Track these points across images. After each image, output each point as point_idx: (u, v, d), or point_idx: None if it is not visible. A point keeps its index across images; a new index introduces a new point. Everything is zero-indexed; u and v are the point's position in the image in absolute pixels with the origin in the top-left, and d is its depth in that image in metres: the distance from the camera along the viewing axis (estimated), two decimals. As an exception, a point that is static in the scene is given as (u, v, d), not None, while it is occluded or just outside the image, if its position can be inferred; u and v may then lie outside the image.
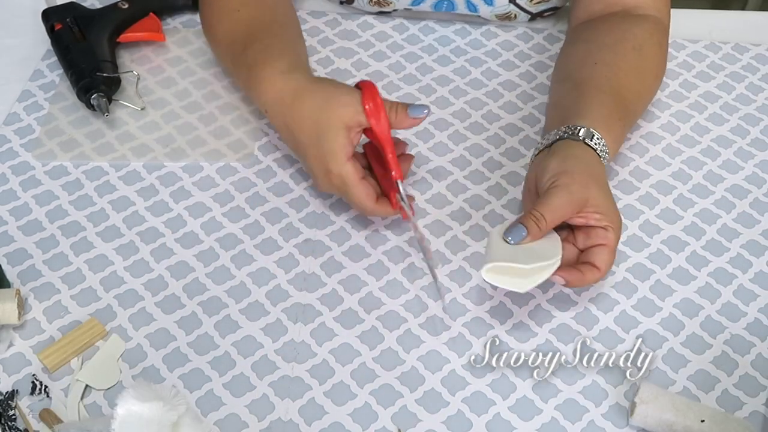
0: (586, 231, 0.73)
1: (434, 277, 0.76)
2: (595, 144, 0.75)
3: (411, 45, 1.01)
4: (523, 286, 0.69)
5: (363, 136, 0.77)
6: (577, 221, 0.72)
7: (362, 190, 0.76)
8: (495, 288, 0.77)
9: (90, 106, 0.90)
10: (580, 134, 0.75)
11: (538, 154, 0.78)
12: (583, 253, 0.73)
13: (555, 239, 0.72)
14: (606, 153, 0.76)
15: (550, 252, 0.70)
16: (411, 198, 0.78)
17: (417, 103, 0.76)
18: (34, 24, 1.02)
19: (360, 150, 0.80)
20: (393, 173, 0.76)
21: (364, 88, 0.75)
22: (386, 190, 0.78)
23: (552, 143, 0.76)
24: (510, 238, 0.70)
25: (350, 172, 0.75)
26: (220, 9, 0.89)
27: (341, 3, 1.04)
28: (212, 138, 0.90)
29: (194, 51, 1.00)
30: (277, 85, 0.79)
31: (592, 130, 0.76)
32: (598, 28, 0.89)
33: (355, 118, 0.75)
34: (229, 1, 0.88)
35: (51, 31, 0.97)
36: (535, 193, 0.74)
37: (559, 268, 0.70)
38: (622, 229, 0.73)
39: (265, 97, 0.80)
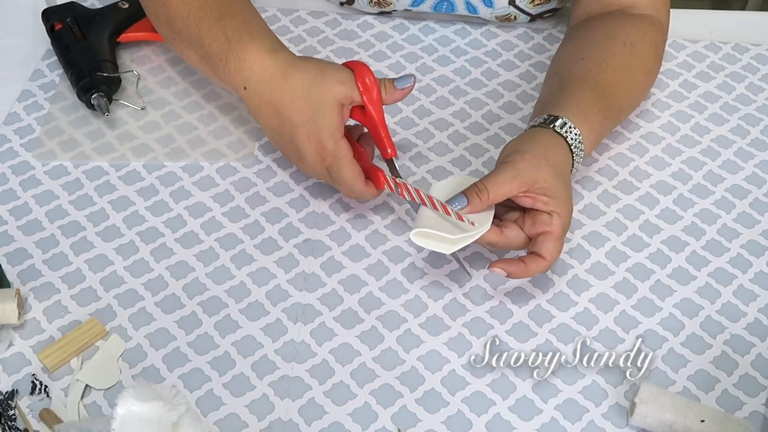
0: (532, 216, 0.73)
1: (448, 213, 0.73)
2: (566, 132, 0.76)
3: (411, 45, 1.01)
4: (447, 249, 0.71)
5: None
6: (524, 201, 0.72)
7: (355, 169, 0.76)
8: (421, 249, 0.79)
9: (90, 106, 0.90)
10: (553, 123, 0.76)
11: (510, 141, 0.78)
12: (531, 242, 0.73)
13: (487, 214, 0.72)
14: (580, 143, 0.77)
15: (478, 224, 0.71)
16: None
17: (404, 77, 0.77)
18: (34, 24, 1.01)
19: None
20: (389, 150, 0.77)
21: (356, 66, 0.76)
22: (369, 172, 0.78)
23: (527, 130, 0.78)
24: (452, 206, 0.71)
25: (344, 149, 0.76)
26: None
27: (341, 4, 1.04)
28: (212, 138, 0.90)
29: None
30: (265, 62, 0.77)
31: (565, 119, 0.76)
32: (592, 26, 0.90)
33: (348, 95, 0.75)
34: None
35: (51, 30, 0.97)
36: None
37: (502, 260, 0.72)
38: (571, 220, 0.74)
39: (249, 72, 0.77)
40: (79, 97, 0.91)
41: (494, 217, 0.73)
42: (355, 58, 0.99)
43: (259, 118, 0.80)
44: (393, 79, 0.76)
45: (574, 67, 0.84)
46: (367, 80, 0.75)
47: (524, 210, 0.74)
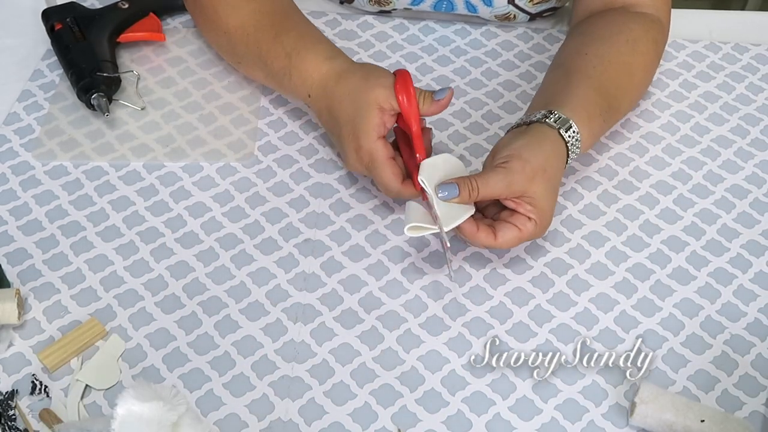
0: (512, 210, 0.75)
1: (446, 251, 0.76)
2: (569, 137, 0.77)
3: (411, 45, 1.01)
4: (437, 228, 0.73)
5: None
6: (508, 203, 0.74)
7: (389, 169, 0.78)
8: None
9: (90, 106, 0.90)
10: (558, 122, 0.77)
11: (514, 128, 0.79)
12: (499, 221, 0.75)
13: (468, 209, 0.74)
14: (577, 147, 0.78)
15: (457, 219, 0.73)
16: None
17: (441, 89, 0.78)
18: (34, 24, 1.01)
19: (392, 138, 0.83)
20: (417, 156, 0.77)
21: (398, 75, 0.78)
22: (412, 174, 0.79)
23: (530, 122, 0.78)
24: (441, 192, 0.73)
25: (380, 149, 0.77)
26: (229, 0, 0.88)
27: (341, 3, 1.04)
28: (212, 138, 0.90)
29: (194, 51, 1.00)
30: (323, 69, 0.81)
31: (571, 122, 0.77)
32: (596, 21, 0.90)
33: (388, 100, 0.77)
34: None
35: (51, 31, 0.97)
36: (490, 160, 0.76)
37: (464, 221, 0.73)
38: (547, 230, 0.76)
39: (310, 81, 0.82)
40: (79, 97, 0.91)
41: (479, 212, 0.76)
42: (355, 59, 0.98)
43: (321, 123, 0.84)
44: (433, 92, 0.78)
45: (578, 61, 0.85)
46: (403, 88, 0.77)
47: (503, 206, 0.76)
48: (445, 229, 0.73)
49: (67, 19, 0.97)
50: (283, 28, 0.86)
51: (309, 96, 0.83)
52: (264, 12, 0.87)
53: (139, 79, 0.96)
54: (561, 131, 0.76)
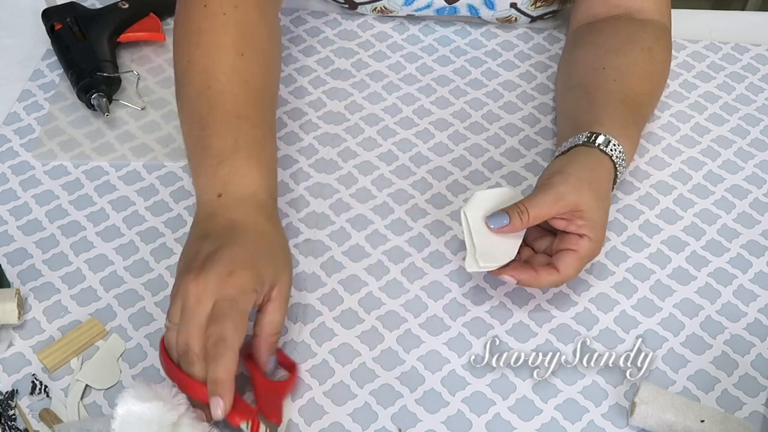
0: (561, 236, 0.72)
1: None
2: (611, 150, 0.75)
3: (411, 45, 1.01)
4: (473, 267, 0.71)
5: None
6: (558, 224, 0.71)
7: (241, 320, 0.63)
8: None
9: (90, 106, 0.90)
10: (597, 141, 0.75)
11: (553, 161, 0.77)
12: (553, 256, 0.72)
13: (515, 242, 0.72)
14: (623, 160, 0.76)
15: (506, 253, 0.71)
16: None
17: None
18: (34, 24, 1.02)
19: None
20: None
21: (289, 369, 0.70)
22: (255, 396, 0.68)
23: (569, 149, 0.76)
24: (492, 223, 0.70)
25: (252, 298, 0.64)
26: (220, 38, 0.76)
27: (343, 7, 1.03)
28: (212, 138, 0.90)
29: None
30: (260, 196, 0.71)
31: (609, 137, 0.75)
32: (604, 30, 0.89)
33: (279, 287, 0.67)
34: (236, 36, 0.77)
35: (51, 30, 0.97)
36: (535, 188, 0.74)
37: (511, 267, 0.71)
38: (602, 246, 0.72)
39: (234, 187, 0.70)
40: (79, 97, 0.91)
41: (525, 244, 0.73)
42: (355, 59, 0.99)
43: (200, 219, 0.71)
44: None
45: (596, 78, 0.83)
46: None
47: (555, 235, 0.73)
48: (483, 268, 0.70)
49: (67, 19, 0.97)
50: (248, 115, 0.74)
51: (219, 196, 0.70)
52: (241, 77, 0.75)
53: (139, 79, 0.96)
54: (601, 147, 0.75)
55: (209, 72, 0.75)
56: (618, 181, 0.77)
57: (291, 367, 0.71)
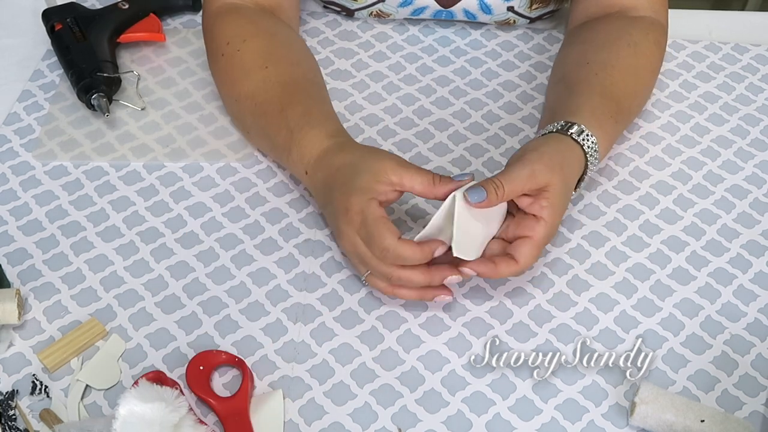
0: (517, 220, 0.72)
1: None
2: (583, 140, 0.75)
3: (411, 45, 1.01)
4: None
5: None
6: (523, 201, 0.71)
7: (383, 225, 0.69)
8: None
9: (90, 107, 0.90)
10: (571, 130, 0.75)
11: (527, 143, 0.77)
12: (510, 245, 0.72)
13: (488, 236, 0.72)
14: (595, 151, 0.76)
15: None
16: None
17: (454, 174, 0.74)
18: (34, 24, 1.02)
19: None
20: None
21: None
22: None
23: (543, 135, 0.77)
24: (471, 198, 0.69)
25: (373, 208, 0.70)
26: (244, 65, 0.84)
27: (338, 13, 1.03)
28: (212, 138, 0.90)
29: (194, 51, 1.00)
30: (323, 145, 0.77)
31: (582, 126, 0.76)
32: (593, 28, 0.90)
33: (396, 172, 0.71)
34: (255, 58, 0.84)
35: (51, 31, 0.97)
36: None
37: (471, 261, 0.70)
38: (554, 234, 0.72)
39: (309, 156, 0.77)
40: (79, 98, 0.91)
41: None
42: (355, 59, 0.99)
43: (317, 200, 0.80)
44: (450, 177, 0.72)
45: (579, 72, 0.84)
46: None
47: (512, 216, 0.73)
48: (465, 254, 0.70)
49: (68, 20, 0.97)
50: (290, 102, 0.81)
51: (306, 173, 0.78)
52: (274, 82, 0.82)
53: (139, 79, 0.96)
54: (573, 136, 0.75)
55: (248, 93, 0.84)
56: (588, 172, 0.77)
57: (239, 364, 0.71)
